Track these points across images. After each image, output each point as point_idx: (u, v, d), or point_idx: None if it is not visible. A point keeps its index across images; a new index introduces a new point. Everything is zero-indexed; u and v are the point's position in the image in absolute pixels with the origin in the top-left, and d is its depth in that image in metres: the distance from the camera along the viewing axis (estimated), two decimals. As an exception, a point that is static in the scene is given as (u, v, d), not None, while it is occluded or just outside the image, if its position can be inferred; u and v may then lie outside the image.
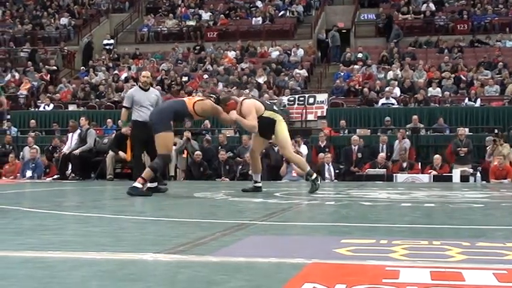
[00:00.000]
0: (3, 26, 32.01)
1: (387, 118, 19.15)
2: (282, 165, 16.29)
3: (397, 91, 21.43)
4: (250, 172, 9.86)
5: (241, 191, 9.32)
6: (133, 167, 11.59)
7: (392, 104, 20.57)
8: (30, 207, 6.13)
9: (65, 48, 29.71)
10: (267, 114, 8.99)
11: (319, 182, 9.02)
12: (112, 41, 30.14)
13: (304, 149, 17.18)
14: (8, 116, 21.86)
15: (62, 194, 9.90)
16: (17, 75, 26.35)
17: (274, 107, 9.44)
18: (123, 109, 10.89)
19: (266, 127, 8.99)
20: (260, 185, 9.55)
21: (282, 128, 9.12)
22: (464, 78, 22.37)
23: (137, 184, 8.30)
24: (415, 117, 18.68)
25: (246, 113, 8.80)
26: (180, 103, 9.11)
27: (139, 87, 10.69)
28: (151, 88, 10.74)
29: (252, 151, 9.68)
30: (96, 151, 16.51)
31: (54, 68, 27.22)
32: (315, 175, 9.04)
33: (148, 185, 8.84)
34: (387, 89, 21.36)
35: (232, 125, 10.53)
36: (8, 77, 26.28)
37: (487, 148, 16.43)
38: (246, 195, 8.65)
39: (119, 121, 11.58)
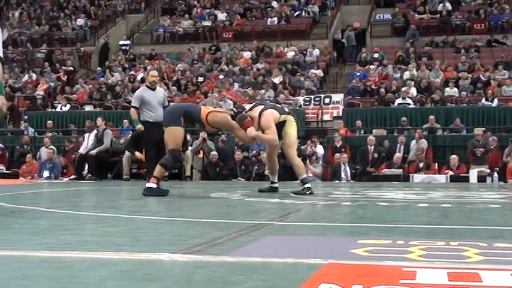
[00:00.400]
0: (20, 27, 32.22)
1: (403, 118, 19.10)
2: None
3: (413, 91, 21.34)
4: (266, 172, 9.84)
5: (257, 191, 9.33)
6: (146, 168, 11.69)
7: (409, 104, 20.49)
8: (48, 207, 6.17)
9: (82, 49, 29.85)
10: (282, 119, 9.01)
11: (308, 193, 8.73)
12: (128, 42, 30.25)
13: (320, 149, 17.17)
14: (25, 117, 22.01)
15: (79, 194, 9.95)
16: (34, 76, 26.49)
17: (286, 109, 9.40)
18: (132, 109, 11.07)
19: (280, 129, 8.97)
20: (277, 185, 9.58)
21: (291, 128, 9.10)
22: (481, 78, 22.25)
23: (151, 184, 8.28)
24: (431, 117, 18.62)
25: (265, 126, 8.78)
26: (196, 107, 9.14)
27: (147, 86, 10.88)
28: (157, 87, 10.95)
29: (269, 152, 9.67)
30: (113, 151, 16.59)
31: (71, 68, 27.35)
32: (308, 185, 8.95)
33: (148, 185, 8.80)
34: (403, 89, 21.29)
35: (249, 143, 10.48)
36: (25, 77, 26.44)
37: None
38: (262, 195, 8.66)
39: (133, 120, 11.60)
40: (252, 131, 8.70)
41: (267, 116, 8.83)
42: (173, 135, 8.45)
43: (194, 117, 8.71)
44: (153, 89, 10.84)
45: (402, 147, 17.10)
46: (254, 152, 17.08)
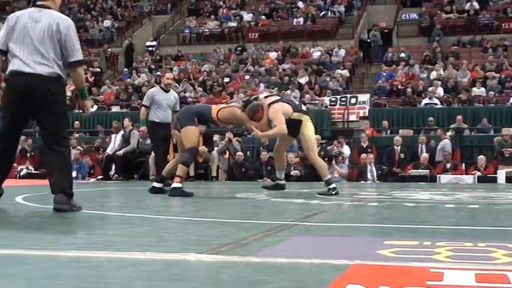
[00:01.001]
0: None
1: (430, 118, 18.99)
2: (323, 165, 16.24)
3: (440, 91, 21.19)
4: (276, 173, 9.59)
5: (282, 192, 9.32)
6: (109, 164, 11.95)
7: (436, 104, 20.36)
8: (75, 207, 6.21)
9: (108, 50, 30.04)
10: (295, 116, 8.78)
11: (334, 193, 8.64)
12: (155, 43, 30.40)
13: (346, 150, 17.12)
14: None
15: (106, 194, 10.02)
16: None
17: (303, 107, 9.21)
18: (143, 108, 11.24)
19: (293, 127, 8.78)
20: (283, 182, 9.42)
21: (308, 129, 8.86)
22: (509, 77, 22.02)
23: (176, 184, 8.31)
24: (459, 117, 18.49)
25: (272, 117, 8.54)
26: (206, 107, 9.19)
27: (161, 88, 11.07)
28: (171, 90, 11.11)
29: (277, 148, 9.57)
30: (139, 152, 16.69)
31: (98, 69, 27.55)
32: (333, 185, 8.84)
33: (154, 184, 8.91)
34: (430, 89, 21.15)
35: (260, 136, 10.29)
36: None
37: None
38: (287, 195, 8.63)
39: (140, 120, 11.70)
40: (257, 133, 8.63)
41: (275, 106, 8.60)
42: (189, 134, 8.48)
43: (206, 117, 8.72)
44: (167, 91, 11.03)
45: (424, 146, 17.00)
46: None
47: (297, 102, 9.41)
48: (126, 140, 16.41)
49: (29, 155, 18.86)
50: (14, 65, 5.47)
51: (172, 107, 10.89)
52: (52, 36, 5.45)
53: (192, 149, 8.50)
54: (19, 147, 18.86)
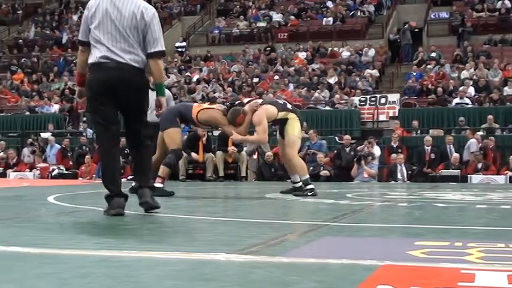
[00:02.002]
0: (79, 30, 32.80)
1: (461, 118, 18.82)
2: (353, 166, 16.20)
3: (471, 90, 20.99)
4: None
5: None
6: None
7: (467, 104, 20.17)
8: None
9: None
10: (281, 115, 8.50)
11: (310, 194, 8.40)
12: (184, 44, 30.52)
13: (377, 150, 17.04)
14: (84, 118, 22.39)
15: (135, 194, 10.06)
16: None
17: (288, 106, 8.76)
18: None
19: (282, 128, 8.62)
20: (299, 184, 8.94)
21: (291, 127, 8.53)
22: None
23: (157, 184, 8.11)
24: (490, 117, 18.30)
25: (256, 122, 8.30)
26: (187, 106, 9.05)
27: (150, 88, 10.88)
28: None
29: (283, 155, 9.19)
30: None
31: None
32: (311, 186, 8.56)
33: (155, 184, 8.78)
34: (461, 88, 20.96)
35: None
36: (84, 79, 26.86)
37: None
38: (317, 196, 8.59)
39: None
40: (236, 137, 8.45)
41: (259, 112, 8.33)
42: (172, 136, 8.45)
43: (187, 118, 8.63)
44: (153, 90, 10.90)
45: (452, 147, 16.87)
46: (311, 150, 17.05)
47: (282, 102, 9.12)
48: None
49: (69, 154, 19.01)
50: (99, 52, 5.18)
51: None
52: (136, 25, 5.22)
53: (176, 151, 8.49)
54: (58, 146, 19.28)
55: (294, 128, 8.53)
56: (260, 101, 8.91)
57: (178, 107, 9.12)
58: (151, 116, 10.55)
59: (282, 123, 8.58)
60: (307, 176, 8.72)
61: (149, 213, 5.32)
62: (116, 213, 5.11)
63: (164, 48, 5.41)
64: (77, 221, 5.12)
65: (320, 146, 17.36)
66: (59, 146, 19.49)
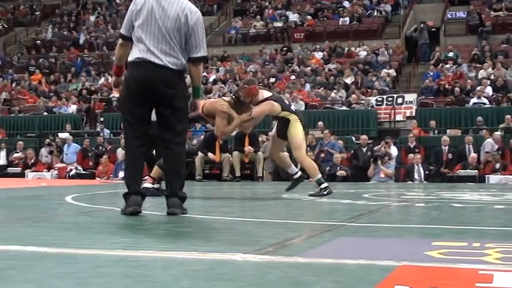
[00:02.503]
0: (96, 30, 32.99)
1: (479, 118, 18.71)
2: (369, 166, 16.16)
3: (489, 90, 20.87)
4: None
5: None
6: None
7: (484, 104, 20.05)
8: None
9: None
10: (282, 114, 8.48)
11: (325, 193, 8.37)
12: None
13: (394, 150, 16.99)
14: (102, 119, 22.51)
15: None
16: (110, 79, 27.06)
17: (292, 107, 8.81)
18: None
19: (283, 127, 8.57)
20: (298, 175, 9.00)
21: (295, 128, 8.50)
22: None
23: (147, 184, 8.13)
24: (508, 116, 18.18)
25: (255, 112, 8.25)
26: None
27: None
28: None
29: (271, 153, 9.32)
30: (186, 152, 16.76)
31: (146, 71, 27.75)
32: (325, 185, 8.54)
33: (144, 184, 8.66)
34: (479, 88, 20.85)
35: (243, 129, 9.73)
36: (102, 80, 27.03)
37: None
38: (334, 196, 8.58)
39: None
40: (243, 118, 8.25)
41: (263, 106, 8.28)
42: None
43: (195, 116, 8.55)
44: None
45: (472, 146, 16.78)
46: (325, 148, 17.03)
47: (287, 102, 9.09)
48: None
49: (90, 154, 19.11)
50: (138, 52, 5.18)
51: None
52: (180, 28, 5.17)
53: None
54: (76, 146, 19.38)
55: (297, 130, 8.50)
56: (269, 94, 8.80)
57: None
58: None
59: (283, 123, 8.56)
60: (320, 176, 8.69)
61: (165, 213, 5.33)
62: (132, 211, 5.15)
63: (206, 54, 5.43)
64: (94, 221, 5.14)
65: (333, 145, 17.30)
66: (76, 146, 19.59)
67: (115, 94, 24.26)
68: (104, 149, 19.00)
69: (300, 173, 9.01)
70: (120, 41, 5.44)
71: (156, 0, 5.19)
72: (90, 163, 18.83)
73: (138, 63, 5.17)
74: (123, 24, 5.42)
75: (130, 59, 5.25)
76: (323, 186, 8.52)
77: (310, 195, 8.51)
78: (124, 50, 5.39)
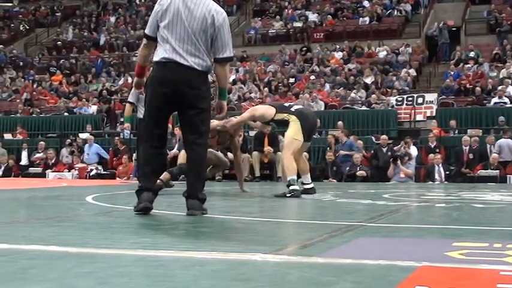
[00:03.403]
0: (116, 31, 33.14)
1: (501, 118, 18.55)
2: (389, 166, 16.10)
3: (510, 90, 20.69)
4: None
5: (349, 193, 9.24)
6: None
7: (505, 103, 19.89)
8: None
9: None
10: (279, 116, 8.62)
11: (288, 195, 8.29)
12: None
13: (414, 150, 16.90)
14: (122, 119, 22.59)
15: (172, 194, 10.13)
16: (129, 79, 27.17)
17: (292, 108, 8.80)
18: (127, 104, 11.16)
19: (283, 128, 8.84)
20: (310, 186, 8.96)
21: (290, 129, 8.53)
22: None
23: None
24: (529, 116, 18.03)
25: (248, 112, 9.04)
26: None
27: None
28: None
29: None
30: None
31: (165, 71, 27.80)
32: (293, 187, 8.39)
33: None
34: (500, 87, 20.68)
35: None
36: (121, 81, 27.16)
37: None
38: (353, 196, 8.56)
39: (125, 117, 11.58)
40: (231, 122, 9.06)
41: (255, 110, 8.99)
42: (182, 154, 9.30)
43: None
44: None
45: (492, 147, 16.66)
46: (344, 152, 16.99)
47: (287, 104, 9.23)
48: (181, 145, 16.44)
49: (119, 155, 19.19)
50: (164, 52, 5.17)
51: None
52: (206, 29, 5.19)
53: (182, 168, 9.26)
54: (100, 147, 19.45)
55: (291, 130, 8.52)
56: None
57: None
58: None
59: (283, 125, 8.74)
60: (294, 178, 8.51)
61: (185, 213, 5.34)
62: (143, 207, 5.19)
63: (232, 54, 5.44)
64: (115, 221, 5.16)
65: (350, 145, 17.21)
66: (98, 146, 19.69)
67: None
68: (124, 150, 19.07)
69: (311, 185, 8.98)
70: (144, 41, 5.43)
71: (182, 1, 5.19)
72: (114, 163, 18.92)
73: (164, 63, 5.16)
74: (148, 24, 5.41)
75: (155, 59, 5.24)
76: (291, 188, 8.42)
77: (276, 196, 8.54)
78: (148, 50, 5.41)
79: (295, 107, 9.02)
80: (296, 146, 8.59)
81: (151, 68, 5.60)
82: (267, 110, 8.77)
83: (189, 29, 5.14)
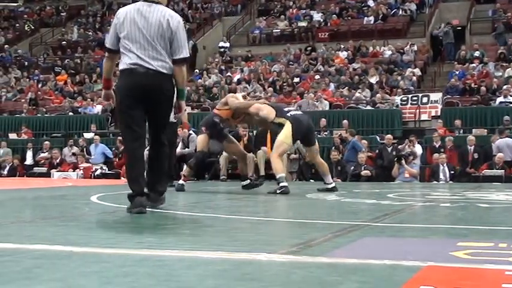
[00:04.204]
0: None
1: (506, 117, 18.50)
2: (394, 166, 16.07)
3: (515, 89, 20.66)
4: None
5: (353, 192, 9.25)
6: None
7: (510, 103, 19.84)
8: (148, 207, 6.32)
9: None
10: (277, 120, 9.22)
11: (279, 192, 8.77)
12: (227, 44, 30.52)
13: (418, 149, 16.87)
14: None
15: (177, 194, 10.14)
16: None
17: (288, 114, 9.31)
18: None
19: (276, 133, 9.44)
20: (331, 185, 9.70)
21: (284, 131, 9.06)
22: None
23: (181, 181, 9.93)
24: (535, 116, 17.99)
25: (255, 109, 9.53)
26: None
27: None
28: None
29: (310, 157, 10.29)
30: (210, 152, 16.77)
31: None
32: (283, 184, 8.87)
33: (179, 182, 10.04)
34: (505, 87, 20.63)
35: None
36: (126, 81, 27.13)
37: None
38: (358, 196, 8.56)
39: None
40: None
41: (259, 104, 9.64)
42: (198, 141, 10.21)
43: (212, 123, 9.78)
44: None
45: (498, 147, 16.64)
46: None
47: (286, 109, 9.69)
48: (186, 145, 16.42)
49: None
50: (129, 59, 5.42)
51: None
52: (163, 33, 5.44)
53: (197, 153, 10.19)
54: (106, 147, 19.45)
55: (283, 134, 9.10)
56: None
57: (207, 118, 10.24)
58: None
59: (278, 127, 9.25)
60: (282, 175, 9.10)
61: (191, 213, 5.35)
62: (137, 212, 5.29)
63: (188, 55, 5.66)
64: (119, 220, 5.17)
65: (357, 146, 17.15)
66: (104, 146, 19.69)
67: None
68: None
69: (333, 185, 9.72)
70: (106, 54, 5.78)
71: (137, 10, 5.47)
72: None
73: (130, 69, 5.41)
74: (108, 38, 5.73)
75: (121, 67, 5.49)
76: (281, 185, 8.88)
77: (268, 192, 9.02)
78: (111, 62, 5.73)
79: (292, 112, 9.54)
80: (284, 148, 9.32)
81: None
82: (270, 113, 9.30)
83: (147, 36, 5.40)
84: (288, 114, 9.21)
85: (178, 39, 5.48)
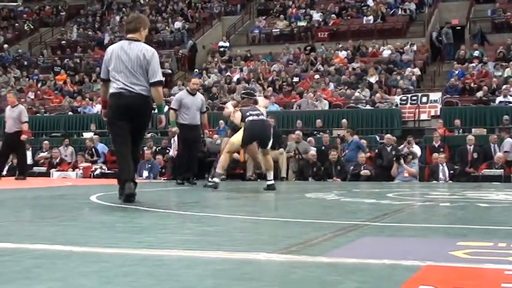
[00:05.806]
0: (121, 31, 33.14)
1: (506, 117, 18.50)
2: (393, 165, 16.07)
3: (515, 88, 20.65)
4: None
5: (353, 192, 9.24)
6: (174, 165, 13.31)
7: (510, 103, 19.84)
8: (148, 206, 6.32)
9: (180, 51, 30.35)
10: (241, 124, 10.14)
11: (209, 185, 10.05)
12: (227, 44, 30.52)
13: (417, 149, 16.87)
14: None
15: (177, 193, 10.15)
16: (133, 78, 27.17)
17: (247, 119, 9.95)
18: (171, 111, 11.98)
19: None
20: (270, 182, 10.11)
21: (238, 134, 10.13)
22: None
23: (215, 179, 10.09)
24: (534, 115, 17.99)
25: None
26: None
27: (188, 91, 11.93)
28: (197, 93, 11.99)
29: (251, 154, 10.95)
30: (209, 152, 16.80)
31: (169, 71, 27.87)
32: (215, 180, 9.97)
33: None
34: (504, 86, 20.63)
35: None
36: (125, 80, 27.13)
37: None
38: (358, 195, 8.56)
39: (170, 121, 12.26)
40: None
41: (236, 113, 10.39)
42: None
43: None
44: (193, 95, 12.28)
45: (496, 146, 16.63)
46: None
47: (248, 113, 10.16)
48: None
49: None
50: (117, 86, 6.82)
51: (199, 109, 12.23)
52: (141, 64, 6.83)
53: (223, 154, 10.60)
54: (106, 147, 19.45)
55: (235, 136, 10.24)
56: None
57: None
58: (192, 117, 11.93)
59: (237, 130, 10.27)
60: (220, 172, 10.29)
61: (191, 212, 5.34)
62: (128, 193, 6.58)
63: (162, 79, 7.10)
64: (119, 220, 5.17)
65: (355, 144, 17.12)
66: (104, 146, 19.66)
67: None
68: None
69: (271, 182, 10.14)
70: (100, 82, 7.52)
71: (121, 48, 6.92)
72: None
73: (118, 93, 6.84)
74: (101, 70, 7.29)
75: (111, 91, 6.93)
76: (213, 179, 10.07)
77: (204, 186, 10.42)
78: (106, 87, 7.13)
79: (251, 117, 10.05)
80: (233, 147, 10.26)
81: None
82: (237, 118, 10.26)
83: (129, 67, 6.83)
84: (246, 120, 9.96)
85: (153, 67, 6.86)
